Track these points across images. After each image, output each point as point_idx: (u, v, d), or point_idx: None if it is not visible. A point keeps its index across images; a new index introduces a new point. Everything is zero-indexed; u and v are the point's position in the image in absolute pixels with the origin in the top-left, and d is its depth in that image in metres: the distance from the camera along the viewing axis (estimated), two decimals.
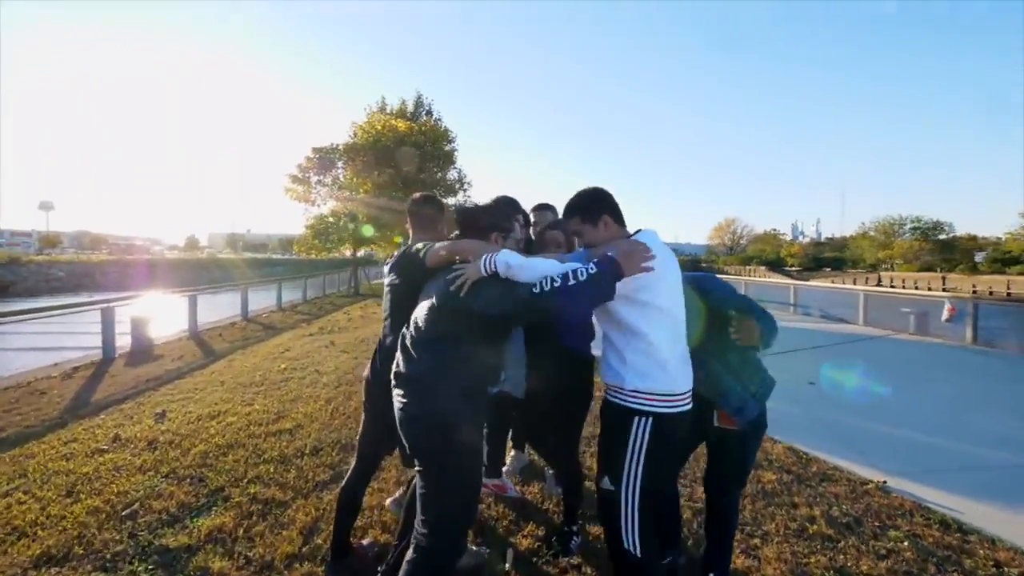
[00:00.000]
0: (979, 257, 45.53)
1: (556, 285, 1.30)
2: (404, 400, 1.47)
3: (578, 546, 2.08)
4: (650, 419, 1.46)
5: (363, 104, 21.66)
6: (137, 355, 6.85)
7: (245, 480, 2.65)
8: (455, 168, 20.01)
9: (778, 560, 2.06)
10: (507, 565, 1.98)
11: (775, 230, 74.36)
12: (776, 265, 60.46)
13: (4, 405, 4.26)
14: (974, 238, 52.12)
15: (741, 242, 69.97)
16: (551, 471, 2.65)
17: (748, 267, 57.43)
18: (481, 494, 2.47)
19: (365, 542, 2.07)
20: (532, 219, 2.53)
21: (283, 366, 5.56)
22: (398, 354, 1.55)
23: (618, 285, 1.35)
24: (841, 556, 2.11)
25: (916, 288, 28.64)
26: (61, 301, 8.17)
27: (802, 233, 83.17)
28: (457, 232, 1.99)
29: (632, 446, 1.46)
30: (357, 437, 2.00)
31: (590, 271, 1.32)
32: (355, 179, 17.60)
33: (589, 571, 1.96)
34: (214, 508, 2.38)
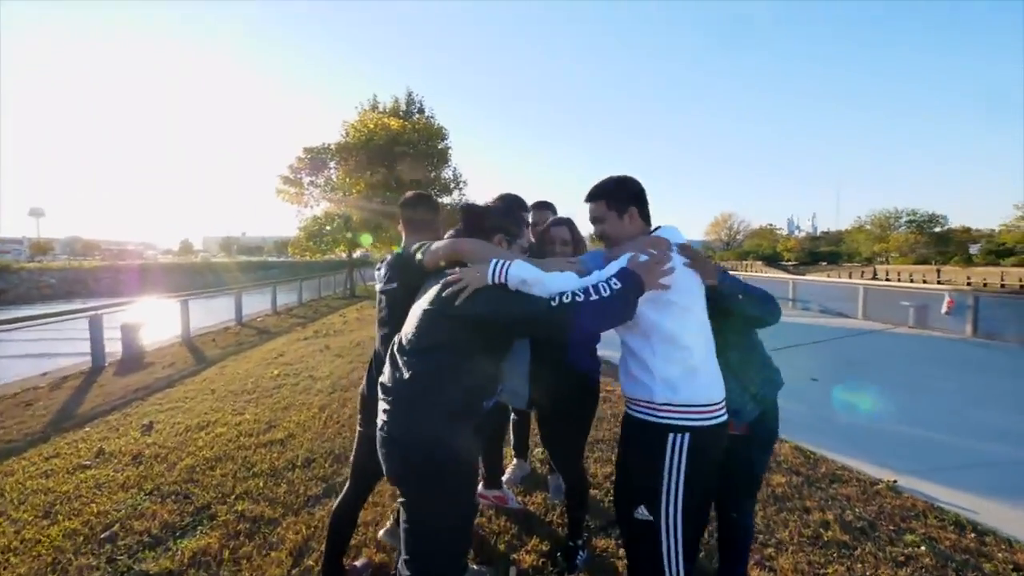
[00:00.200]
0: (974, 249, 45.84)
1: (579, 300, 1.17)
2: (386, 417, 1.32)
3: (584, 561, 1.98)
4: (687, 435, 1.29)
5: (356, 104, 21.34)
6: (128, 363, 6.70)
7: (233, 496, 2.53)
8: (450, 167, 19.83)
9: (795, 571, 1.97)
10: None
11: (771, 225, 74.71)
12: (772, 260, 60.76)
13: None
14: (968, 230, 52.51)
15: (738, 237, 70.11)
16: (553, 478, 2.55)
17: (745, 262, 57.55)
18: (481, 506, 2.38)
19: (359, 563, 1.95)
20: (531, 219, 2.42)
21: (276, 372, 5.43)
22: (387, 362, 1.41)
23: None
24: (859, 565, 2.02)
25: (911, 281, 28.75)
26: (52, 309, 8.00)
27: (798, 228, 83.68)
28: (455, 230, 1.87)
29: (669, 468, 1.29)
30: (351, 455, 1.86)
31: (613, 286, 1.19)
32: (348, 179, 17.38)
33: None
34: (199, 528, 2.26)
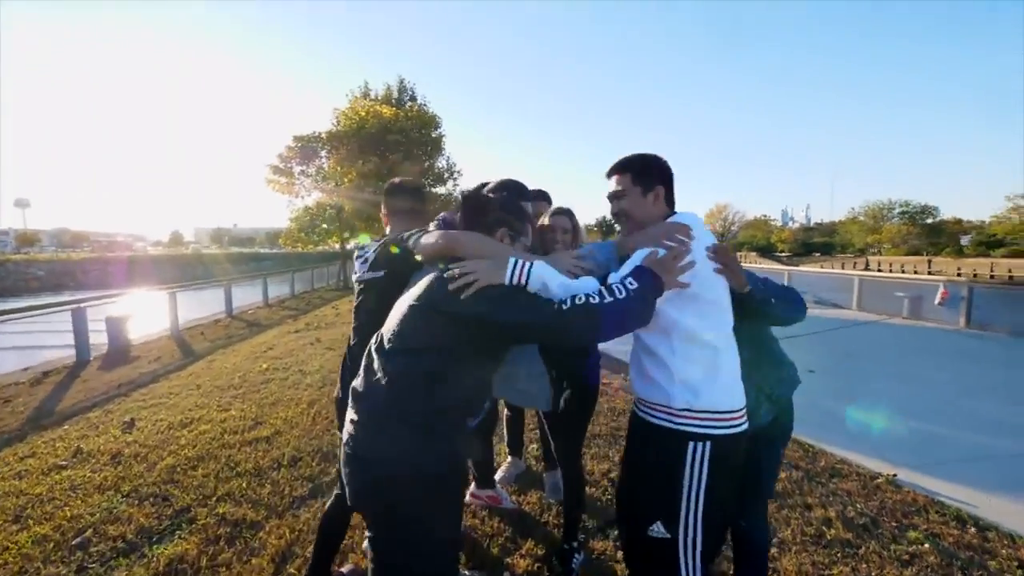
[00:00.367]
0: (965, 240, 46.26)
1: (593, 302, 1.03)
2: (352, 431, 1.14)
3: (581, 564, 1.89)
4: (708, 444, 1.17)
5: (348, 92, 20.85)
6: (113, 357, 6.53)
7: (214, 498, 2.42)
8: (443, 156, 19.54)
9: (799, 573, 1.90)
10: None
11: (765, 216, 74.86)
12: (767, 251, 61.15)
13: None
14: (959, 222, 52.92)
15: (732, 228, 70.17)
16: (549, 476, 2.47)
17: (740, 253, 57.81)
18: (473, 507, 2.30)
19: (345, 570, 1.85)
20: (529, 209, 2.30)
21: (265, 366, 5.30)
22: (362, 364, 1.22)
23: None
24: (864, 565, 1.96)
25: (903, 271, 29.01)
26: (38, 301, 7.78)
27: (792, 219, 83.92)
28: (440, 219, 1.74)
29: (689, 480, 1.17)
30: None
31: (629, 286, 1.06)
32: (339, 168, 17.06)
33: None
34: (177, 532, 2.14)
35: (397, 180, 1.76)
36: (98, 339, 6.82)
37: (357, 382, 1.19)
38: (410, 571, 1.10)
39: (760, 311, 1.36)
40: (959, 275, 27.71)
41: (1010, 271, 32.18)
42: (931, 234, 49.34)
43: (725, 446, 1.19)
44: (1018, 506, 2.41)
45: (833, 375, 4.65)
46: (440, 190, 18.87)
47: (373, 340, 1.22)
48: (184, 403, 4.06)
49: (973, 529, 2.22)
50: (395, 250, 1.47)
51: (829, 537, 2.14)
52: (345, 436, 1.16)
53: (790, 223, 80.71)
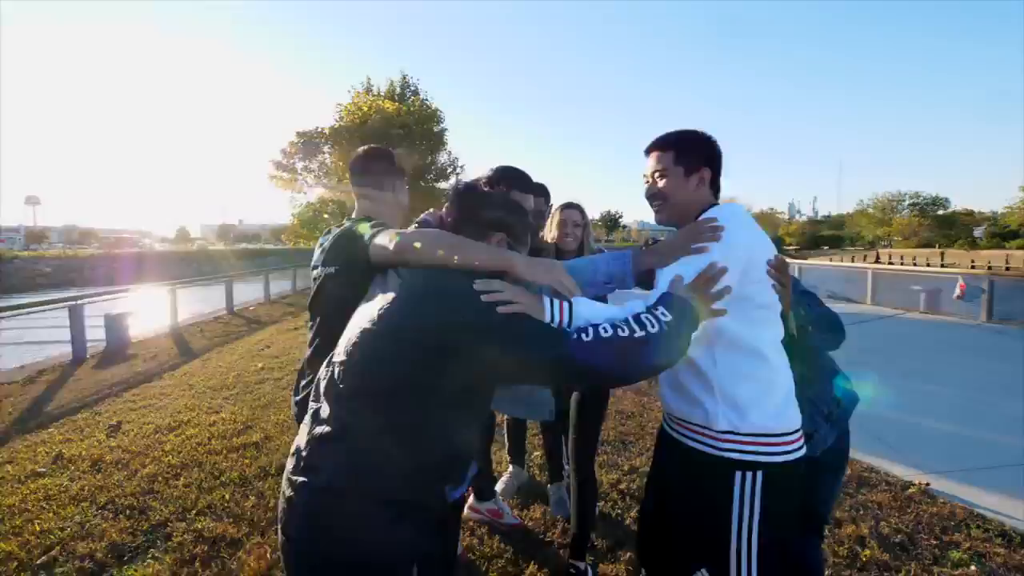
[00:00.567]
0: (978, 232, 45.40)
1: (622, 335, 0.81)
2: (286, 504, 0.83)
3: None
4: (759, 473, 0.98)
5: (350, 88, 20.62)
6: (110, 355, 6.42)
7: (194, 511, 2.26)
8: (446, 150, 19.34)
9: None
10: None
11: (772, 209, 73.99)
12: (774, 245, 60.38)
13: None
14: (971, 213, 51.97)
15: None
16: (554, 489, 2.28)
17: None
18: (472, 524, 2.11)
19: None
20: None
21: (260, 365, 5.15)
22: (310, 401, 0.92)
23: None
24: None
25: (915, 264, 28.47)
26: (41, 297, 7.71)
27: (799, 212, 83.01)
28: (427, 215, 1.55)
29: (739, 518, 0.98)
30: None
31: (662, 318, 0.84)
32: (342, 164, 16.91)
33: None
34: (151, 550, 1.98)
35: (364, 148, 1.41)
36: (98, 335, 6.71)
37: (302, 433, 0.88)
38: None
39: (788, 344, 1.12)
40: (973, 267, 27.16)
41: None
42: (942, 226, 48.44)
43: (780, 476, 0.98)
44: None
45: (851, 374, 4.42)
46: (443, 185, 18.69)
47: (323, 369, 0.93)
48: (174, 405, 3.91)
49: (1022, 548, 2.00)
50: (363, 230, 1.10)
51: (864, 558, 1.94)
52: (279, 509, 0.86)
53: (797, 216, 79.81)
